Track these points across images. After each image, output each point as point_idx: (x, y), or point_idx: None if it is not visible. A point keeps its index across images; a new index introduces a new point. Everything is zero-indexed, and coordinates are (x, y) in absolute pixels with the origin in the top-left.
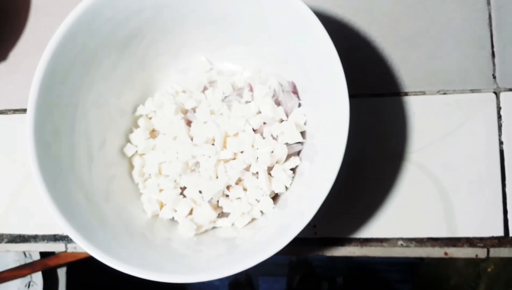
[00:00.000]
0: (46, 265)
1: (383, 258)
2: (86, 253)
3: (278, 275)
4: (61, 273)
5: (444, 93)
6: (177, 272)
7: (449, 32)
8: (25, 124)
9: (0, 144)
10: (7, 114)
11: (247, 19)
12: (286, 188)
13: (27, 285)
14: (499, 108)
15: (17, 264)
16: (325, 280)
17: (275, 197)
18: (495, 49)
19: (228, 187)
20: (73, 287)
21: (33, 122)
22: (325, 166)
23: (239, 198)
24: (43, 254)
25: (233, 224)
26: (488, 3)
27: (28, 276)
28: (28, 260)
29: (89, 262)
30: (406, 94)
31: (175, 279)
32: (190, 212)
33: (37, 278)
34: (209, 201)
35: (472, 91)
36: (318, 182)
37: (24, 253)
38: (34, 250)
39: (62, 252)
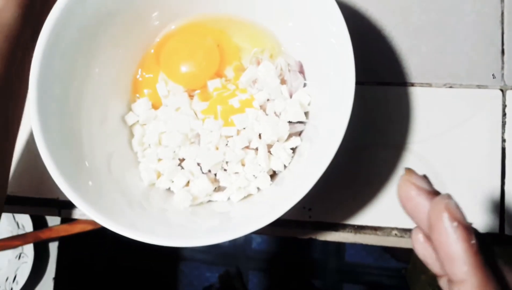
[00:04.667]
0: (38, 237)
1: (376, 262)
2: (79, 228)
3: (269, 271)
4: (53, 247)
5: (451, 87)
6: (170, 236)
7: (460, 26)
8: None
9: None
10: None
11: None
12: (285, 166)
13: (18, 257)
14: (504, 106)
15: (10, 235)
16: (315, 280)
17: (273, 175)
18: (505, 47)
19: (226, 162)
20: (64, 262)
21: (36, 85)
22: (324, 147)
23: (237, 172)
24: (36, 227)
25: (228, 199)
26: (502, 0)
27: (20, 248)
28: (21, 232)
29: (81, 239)
30: (412, 84)
31: (168, 243)
32: (187, 184)
33: (28, 250)
34: (207, 174)
35: (479, 86)
36: (315, 162)
37: (17, 224)
38: (26, 213)
39: (55, 226)
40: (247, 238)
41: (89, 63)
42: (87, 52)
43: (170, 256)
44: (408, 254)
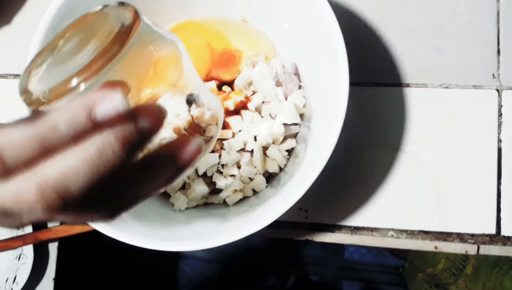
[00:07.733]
0: (38, 238)
1: (375, 259)
2: (78, 229)
3: (268, 269)
4: (53, 248)
5: (446, 87)
6: (167, 241)
7: (456, 27)
8: None
9: None
10: (7, 78)
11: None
12: (280, 168)
13: (18, 258)
14: (500, 106)
15: (9, 236)
16: (316, 278)
17: (268, 177)
18: (501, 47)
19: (222, 164)
20: (64, 263)
21: None
22: (319, 149)
23: (232, 175)
24: (36, 228)
25: (224, 201)
26: (498, 0)
27: (19, 249)
28: (20, 233)
29: (81, 239)
30: (408, 85)
31: (165, 247)
32: (183, 187)
33: (28, 251)
34: (203, 176)
35: (475, 87)
36: (311, 164)
37: None
38: None
39: (54, 226)
40: (247, 236)
41: None
42: None
43: (170, 255)
44: (407, 251)
